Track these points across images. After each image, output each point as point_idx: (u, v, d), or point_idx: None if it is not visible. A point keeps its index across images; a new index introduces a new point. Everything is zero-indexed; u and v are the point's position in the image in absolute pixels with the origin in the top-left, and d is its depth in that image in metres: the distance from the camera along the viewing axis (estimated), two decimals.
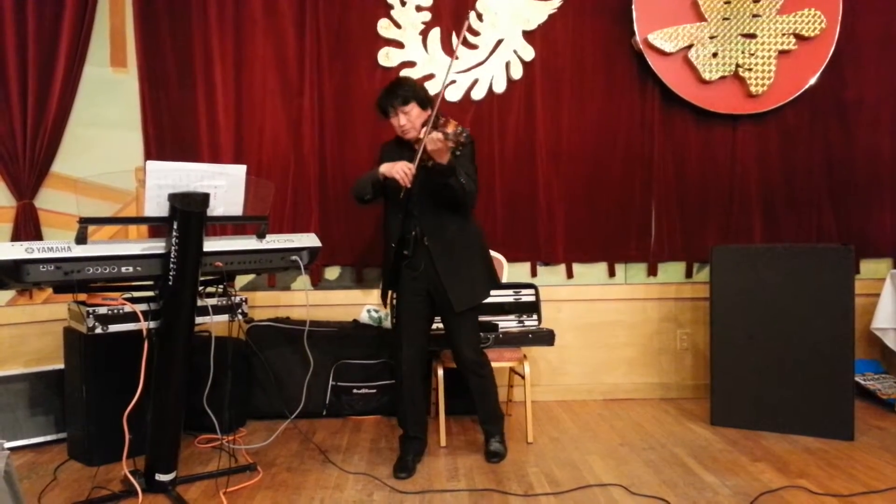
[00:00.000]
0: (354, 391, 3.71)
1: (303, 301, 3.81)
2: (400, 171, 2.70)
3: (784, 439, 3.27)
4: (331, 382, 3.69)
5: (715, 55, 3.91)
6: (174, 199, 2.47)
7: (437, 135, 2.59)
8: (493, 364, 3.16)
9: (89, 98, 3.68)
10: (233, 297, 2.84)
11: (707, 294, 3.57)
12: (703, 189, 4.06)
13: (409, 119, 2.85)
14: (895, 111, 4.06)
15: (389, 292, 3.05)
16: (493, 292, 3.09)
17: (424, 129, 2.76)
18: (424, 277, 2.91)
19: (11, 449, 3.12)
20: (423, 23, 3.92)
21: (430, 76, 3.91)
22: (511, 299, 3.54)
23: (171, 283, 2.51)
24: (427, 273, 2.90)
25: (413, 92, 2.86)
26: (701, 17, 3.91)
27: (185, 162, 2.63)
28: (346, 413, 3.70)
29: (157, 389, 2.58)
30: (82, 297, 2.67)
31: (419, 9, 3.90)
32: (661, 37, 3.89)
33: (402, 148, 2.93)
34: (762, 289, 3.36)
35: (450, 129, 2.62)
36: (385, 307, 3.11)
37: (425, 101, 2.89)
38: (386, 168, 2.77)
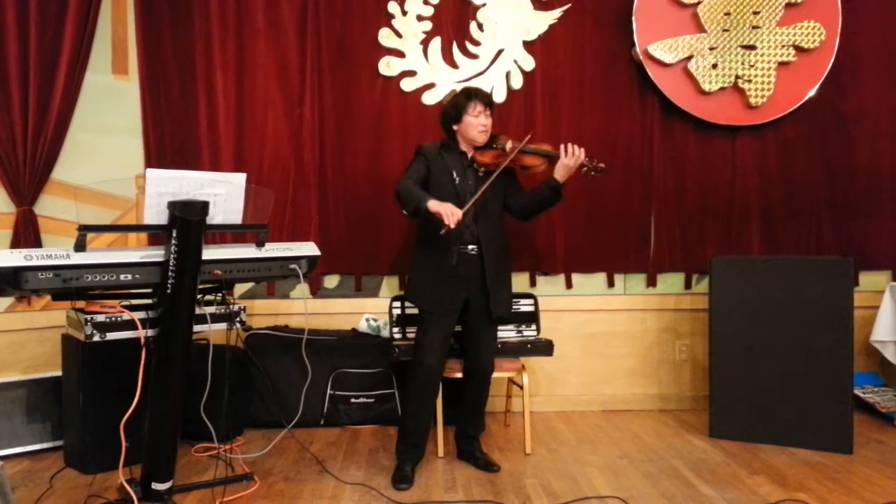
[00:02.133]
0: (352, 400, 3.70)
1: (301, 309, 3.80)
2: (448, 212, 2.71)
3: (783, 452, 3.26)
4: (329, 391, 3.68)
5: (715, 66, 3.92)
6: (174, 206, 2.47)
7: (581, 156, 2.87)
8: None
9: (90, 105, 3.69)
10: (231, 306, 2.84)
11: (706, 305, 3.57)
12: (703, 200, 4.06)
13: (490, 122, 2.98)
14: (894, 123, 4.07)
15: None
16: None
17: (509, 141, 2.99)
18: (468, 285, 2.95)
19: (7, 456, 3.12)
20: (424, 32, 3.93)
21: (431, 85, 3.92)
22: None
23: (169, 291, 2.50)
24: (472, 278, 2.94)
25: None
26: (701, 29, 3.92)
27: (186, 169, 2.63)
28: (343, 422, 3.69)
29: (154, 397, 2.57)
30: (81, 304, 2.67)
31: (420, 18, 3.92)
32: (661, 48, 3.90)
33: (451, 155, 2.99)
34: (761, 300, 3.36)
35: (584, 157, 2.91)
36: (433, 313, 2.95)
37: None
38: (434, 205, 2.74)
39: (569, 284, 4.08)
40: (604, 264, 4.09)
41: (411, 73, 3.93)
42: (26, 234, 3.47)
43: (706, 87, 3.92)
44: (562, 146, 2.91)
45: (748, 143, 4.05)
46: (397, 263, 3.94)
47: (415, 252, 3.10)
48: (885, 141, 4.07)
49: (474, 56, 3.97)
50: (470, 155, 3.00)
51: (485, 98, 2.97)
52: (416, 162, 2.99)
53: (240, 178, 2.71)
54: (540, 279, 4.06)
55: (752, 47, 3.93)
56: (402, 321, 3.45)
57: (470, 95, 2.96)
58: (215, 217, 2.63)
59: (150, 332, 2.58)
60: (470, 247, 2.94)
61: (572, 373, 4.08)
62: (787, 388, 3.32)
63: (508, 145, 2.99)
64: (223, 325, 2.83)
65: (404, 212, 2.93)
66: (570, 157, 2.87)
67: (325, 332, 3.82)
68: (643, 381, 4.11)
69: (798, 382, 3.30)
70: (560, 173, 2.91)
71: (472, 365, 3.08)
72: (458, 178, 2.95)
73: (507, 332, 3.50)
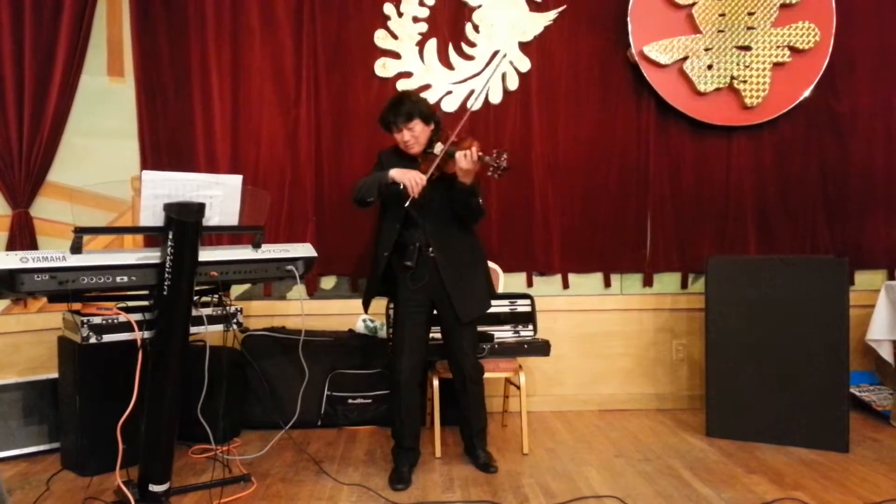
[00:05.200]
0: (350, 401, 3.70)
1: (298, 311, 3.80)
2: (411, 179, 2.72)
3: (779, 451, 3.27)
4: (326, 392, 3.68)
5: (710, 67, 3.94)
6: (170, 208, 2.47)
7: (473, 156, 2.67)
8: (489, 374, 3.18)
9: (86, 107, 3.69)
10: (228, 307, 2.84)
11: (702, 305, 3.57)
12: (699, 200, 4.08)
13: (414, 135, 2.88)
14: (889, 123, 4.09)
15: (372, 300, 3.07)
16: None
17: (438, 144, 2.85)
18: (428, 288, 2.91)
19: (4, 459, 3.12)
20: (420, 34, 3.93)
21: (427, 87, 3.93)
22: (507, 310, 3.54)
23: (165, 292, 2.50)
24: (431, 284, 2.90)
25: (417, 108, 2.88)
26: (696, 30, 3.94)
27: (182, 172, 2.63)
28: (341, 423, 3.69)
29: (151, 399, 2.57)
30: (77, 306, 2.66)
31: (416, 20, 3.92)
32: (657, 49, 3.91)
33: (403, 158, 2.95)
34: (757, 300, 3.37)
35: (486, 155, 2.70)
36: (366, 312, 3.11)
37: (429, 116, 2.92)
38: (398, 173, 2.76)
39: (565, 285, 4.08)
40: (600, 264, 4.09)
41: (407, 75, 3.94)
42: (22, 236, 3.46)
43: (701, 87, 3.93)
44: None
45: (744, 143, 4.06)
46: None
47: (372, 251, 3.05)
48: (879, 141, 4.09)
49: (470, 57, 3.97)
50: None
51: (395, 118, 2.84)
52: (375, 168, 3.01)
53: (236, 180, 2.71)
54: (536, 279, 4.07)
55: (748, 48, 3.95)
56: None
57: (383, 120, 2.91)
58: (211, 219, 2.63)
59: (146, 334, 2.58)
60: (430, 249, 2.89)
61: (569, 373, 4.08)
62: (784, 387, 3.33)
63: (437, 149, 2.85)
64: (220, 327, 2.83)
65: (368, 200, 2.84)
66: (462, 160, 2.70)
67: (321, 333, 3.82)
68: (640, 381, 4.12)
69: (794, 381, 3.31)
70: (460, 175, 2.76)
71: (452, 367, 3.09)
72: None
73: (503, 333, 3.50)
